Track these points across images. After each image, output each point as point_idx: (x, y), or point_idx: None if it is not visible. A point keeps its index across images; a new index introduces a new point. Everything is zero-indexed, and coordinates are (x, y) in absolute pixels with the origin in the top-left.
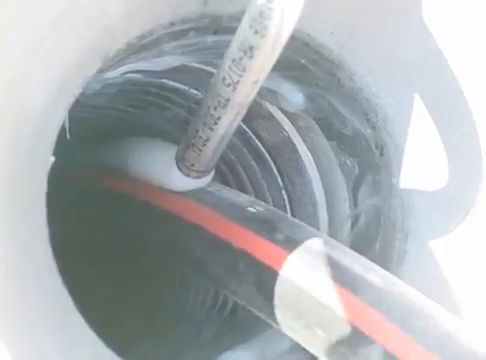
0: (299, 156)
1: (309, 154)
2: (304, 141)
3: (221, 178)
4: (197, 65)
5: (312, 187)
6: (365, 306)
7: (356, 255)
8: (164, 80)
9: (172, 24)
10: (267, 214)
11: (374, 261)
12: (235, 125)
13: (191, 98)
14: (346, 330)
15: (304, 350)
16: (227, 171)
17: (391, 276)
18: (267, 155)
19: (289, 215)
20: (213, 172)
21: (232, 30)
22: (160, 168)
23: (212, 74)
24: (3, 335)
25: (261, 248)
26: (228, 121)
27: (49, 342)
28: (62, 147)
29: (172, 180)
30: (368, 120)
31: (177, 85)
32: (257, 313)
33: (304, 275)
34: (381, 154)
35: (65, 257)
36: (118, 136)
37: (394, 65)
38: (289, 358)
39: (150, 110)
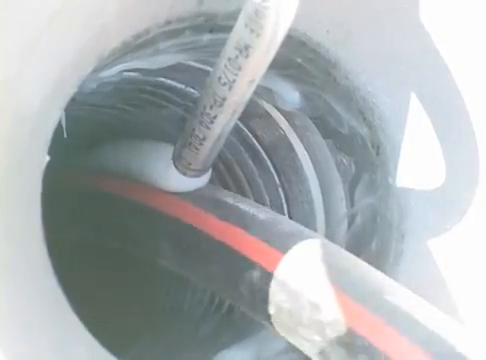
0: (296, 155)
1: (305, 153)
2: (300, 140)
3: (218, 177)
4: (194, 63)
5: (309, 186)
6: (361, 309)
7: (351, 257)
8: (161, 78)
9: (168, 23)
10: (263, 216)
11: (370, 260)
12: (232, 124)
13: (188, 96)
14: (342, 333)
15: (299, 350)
16: (224, 170)
17: (388, 278)
18: (264, 154)
19: (286, 216)
20: (210, 171)
21: (228, 29)
22: (157, 167)
23: (209, 72)
24: None
25: (256, 250)
26: (224, 120)
27: (43, 342)
28: (58, 147)
29: (169, 179)
30: (364, 119)
31: (174, 83)
32: (252, 315)
33: (299, 277)
34: (377, 153)
35: (60, 257)
36: (115, 135)
37: (390, 64)
38: (285, 358)
39: (147, 108)
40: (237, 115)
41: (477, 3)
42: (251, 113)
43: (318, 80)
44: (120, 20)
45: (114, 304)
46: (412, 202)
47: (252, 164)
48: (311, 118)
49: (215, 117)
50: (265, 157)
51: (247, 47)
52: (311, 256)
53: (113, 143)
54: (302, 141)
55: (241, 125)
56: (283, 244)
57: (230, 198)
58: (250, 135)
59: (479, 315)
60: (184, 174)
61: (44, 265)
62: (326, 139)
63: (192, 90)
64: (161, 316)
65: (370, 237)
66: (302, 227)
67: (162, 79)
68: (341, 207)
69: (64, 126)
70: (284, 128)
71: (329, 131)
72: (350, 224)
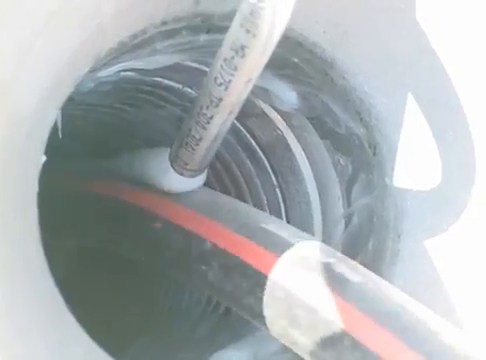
0: (293, 155)
1: (303, 153)
2: (298, 140)
3: (215, 176)
4: (190, 64)
5: (306, 186)
6: (356, 311)
7: (348, 260)
8: (158, 78)
9: (164, 23)
10: (259, 219)
11: (367, 260)
12: (228, 124)
13: (185, 96)
14: (336, 335)
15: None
16: (222, 169)
17: (383, 281)
18: (261, 154)
19: (283, 216)
20: (206, 171)
21: (225, 29)
22: (154, 167)
23: (206, 73)
24: None
25: (252, 253)
26: (221, 120)
27: (41, 343)
28: (55, 147)
29: (166, 179)
30: (361, 119)
31: (171, 83)
32: (248, 318)
33: (295, 280)
34: (374, 153)
35: (57, 258)
36: (113, 135)
37: (387, 64)
38: (281, 358)
39: (144, 108)
40: (234, 115)
41: (473, 4)
42: (248, 113)
43: (315, 80)
44: (116, 20)
45: (112, 305)
46: (409, 202)
47: (250, 164)
48: (308, 118)
49: (211, 117)
50: (262, 157)
51: (243, 47)
52: (306, 259)
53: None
54: (299, 141)
55: (238, 125)
56: (278, 247)
57: (226, 201)
58: (247, 135)
59: (476, 315)
60: (181, 174)
61: (41, 266)
62: (323, 139)
63: (189, 90)
64: (159, 317)
65: (367, 237)
66: (297, 230)
67: (159, 79)
68: (338, 207)
69: (60, 126)
70: (281, 128)
71: (326, 131)
72: (347, 224)
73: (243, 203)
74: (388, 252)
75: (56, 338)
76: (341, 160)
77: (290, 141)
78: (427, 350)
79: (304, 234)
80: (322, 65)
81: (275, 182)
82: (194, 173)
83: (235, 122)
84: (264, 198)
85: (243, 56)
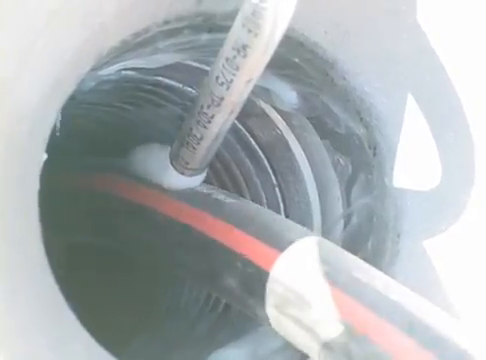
0: (293, 154)
1: (302, 153)
2: (298, 140)
3: (215, 176)
4: (192, 63)
5: (305, 185)
6: (358, 306)
7: (349, 255)
8: (159, 78)
9: (166, 22)
10: (258, 215)
11: (366, 260)
12: (229, 123)
13: (186, 96)
14: (339, 330)
15: (296, 348)
16: (221, 169)
17: (384, 276)
18: (261, 153)
19: (283, 215)
20: (206, 170)
21: (226, 28)
22: (155, 166)
23: (207, 72)
24: None
25: (252, 249)
26: (222, 120)
27: (41, 339)
28: (55, 146)
29: (166, 178)
30: (361, 119)
31: (172, 83)
32: (249, 314)
33: (296, 276)
34: (374, 154)
35: (57, 255)
36: (114, 133)
37: (387, 64)
38: (281, 356)
39: (145, 107)
40: (234, 115)
41: (474, 5)
42: (248, 113)
43: (315, 80)
44: (119, 19)
45: (110, 303)
46: (408, 202)
47: (249, 164)
48: (308, 118)
49: (212, 117)
50: (262, 157)
51: (245, 47)
52: (308, 254)
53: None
54: (299, 141)
55: (238, 125)
56: (279, 242)
57: (226, 197)
58: (247, 135)
59: (475, 314)
60: (182, 173)
61: (41, 264)
62: (323, 139)
63: (190, 89)
64: (157, 315)
65: (366, 237)
66: (298, 225)
67: (160, 78)
68: (337, 207)
69: (58, 125)
70: (281, 128)
71: (326, 131)
72: (346, 224)
73: (244, 199)
74: (388, 252)
75: (56, 335)
76: (341, 160)
77: (290, 141)
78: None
79: (306, 230)
80: (323, 65)
81: (275, 182)
82: (195, 172)
83: (235, 122)
84: (263, 197)
85: (245, 56)
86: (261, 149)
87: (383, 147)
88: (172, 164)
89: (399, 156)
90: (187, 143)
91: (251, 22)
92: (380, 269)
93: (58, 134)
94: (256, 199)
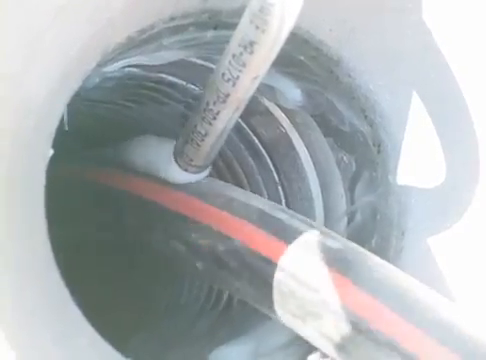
0: (296, 152)
1: (306, 150)
2: (301, 137)
3: (217, 173)
4: (196, 60)
5: (308, 183)
6: (365, 295)
7: (355, 246)
8: (163, 75)
9: (172, 19)
10: (264, 206)
11: None
12: (234, 120)
13: (189, 93)
14: (346, 319)
15: (298, 345)
16: (223, 167)
17: (391, 266)
18: (264, 151)
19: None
20: (209, 168)
21: (232, 25)
22: (159, 163)
23: (211, 69)
24: (1, 326)
25: (259, 240)
26: (227, 116)
27: (46, 334)
28: (60, 142)
29: (170, 175)
30: (366, 117)
31: (175, 80)
32: (256, 306)
33: (303, 266)
34: (378, 151)
35: (63, 250)
36: (116, 131)
37: (392, 62)
38: (283, 353)
39: (148, 104)
40: (240, 111)
41: (479, 3)
42: (252, 110)
43: (320, 78)
44: (125, 15)
45: (112, 299)
46: (412, 200)
47: (252, 161)
48: (312, 116)
49: (218, 113)
50: (265, 154)
51: (252, 44)
52: (315, 245)
53: (117, 143)
54: (303, 139)
55: (241, 122)
56: (287, 234)
57: (228, 189)
58: (250, 132)
59: (479, 312)
60: (185, 170)
61: (47, 258)
62: (327, 137)
63: (193, 87)
64: (157, 312)
65: (370, 234)
66: (303, 217)
67: (164, 75)
68: (341, 205)
69: (65, 120)
70: (285, 126)
71: (330, 129)
72: (350, 221)
73: (249, 192)
74: (392, 249)
75: (61, 330)
76: (345, 158)
77: (293, 139)
78: (440, 333)
79: (311, 221)
80: (328, 63)
81: (277, 179)
82: (198, 169)
83: (238, 119)
84: (266, 195)
85: (252, 52)
86: (264, 147)
87: (387, 145)
88: (176, 161)
89: (403, 154)
90: (191, 140)
91: (259, 19)
92: None
93: (66, 129)
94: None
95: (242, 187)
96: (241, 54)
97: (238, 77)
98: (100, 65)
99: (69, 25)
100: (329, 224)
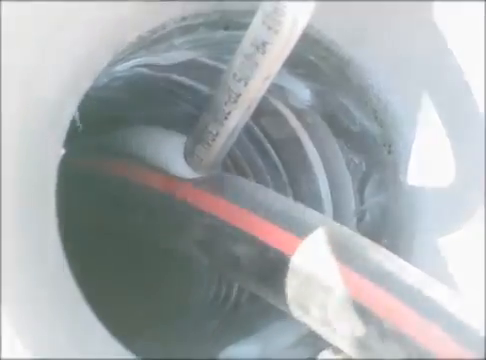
0: (305, 153)
1: (315, 151)
2: (311, 138)
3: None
4: (206, 60)
5: (318, 184)
6: (380, 291)
7: (370, 242)
8: (172, 75)
9: (184, 18)
10: (277, 201)
11: None
12: (245, 120)
13: (198, 93)
14: (359, 315)
15: (307, 345)
16: (232, 167)
17: (403, 261)
18: (273, 151)
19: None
20: (219, 168)
21: (243, 26)
22: (169, 163)
23: (221, 70)
24: (15, 323)
25: (273, 235)
26: (238, 116)
27: (59, 332)
28: (71, 138)
29: (180, 170)
30: (376, 117)
31: (185, 80)
32: (269, 301)
33: (316, 261)
34: (389, 152)
35: (73, 248)
36: (125, 128)
37: (404, 62)
38: (292, 352)
39: (157, 104)
40: (251, 111)
41: None
42: (262, 110)
43: (331, 78)
44: (136, 15)
45: (121, 299)
46: (423, 201)
47: (261, 161)
48: (322, 116)
49: (229, 113)
50: (274, 155)
51: (264, 44)
52: (328, 240)
53: (126, 130)
54: (312, 139)
55: (251, 122)
56: (299, 228)
57: (241, 182)
58: (260, 132)
59: None
60: (196, 171)
61: (58, 256)
62: (337, 137)
63: (202, 87)
64: (167, 312)
65: (380, 235)
66: (316, 212)
67: (173, 75)
68: (350, 205)
69: (78, 119)
70: (294, 126)
71: (340, 129)
72: (359, 222)
73: (263, 186)
74: (402, 250)
75: (74, 327)
76: (355, 158)
77: (303, 139)
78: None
79: (324, 217)
80: (338, 63)
81: (286, 180)
82: (209, 169)
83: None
84: None
85: (264, 53)
86: (273, 147)
87: (398, 145)
88: (186, 161)
89: (414, 154)
90: (202, 140)
91: (271, 19)
92: None
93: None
94: None
95: None
96: (253, 54)
97: (250, 77)
98: (110, 65)
99: (80, 24)
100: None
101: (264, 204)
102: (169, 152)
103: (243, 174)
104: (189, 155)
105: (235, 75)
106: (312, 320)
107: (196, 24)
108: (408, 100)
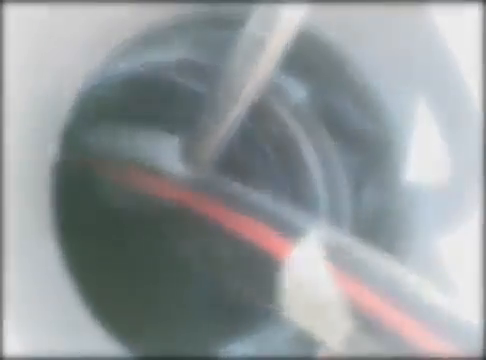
0: (302, 152)
1: (312, 150)
2: (307, 137)
3: (220, 173)
4: (202, 59)
5: (315, 184)
6: (373, 292)
7: (363, 245)
8: (169, 74)
9: (181, 16)
10: (268, 203)
11: None
12: (240, 118)
13: (195, 93)
14: (354, 317)
15: (303, 346)
16: (228, 167)
17: (396, 263)
18: (268, 151)
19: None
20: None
21: (240, 24)
22: (165, 162)
23: (218, 68)
24: (15, 323)
25: (267, 238)
26: (235, 114)
27: (55, 332)
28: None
29: (175, 171)
30: (375, 117)
31: (182, 80)
32: (265, 304)
33: (308, 263)
34: (387, 152)
35: (72, 248)
36: (123, 127)
37: (402, 62)
38: (286, 352)
39: (155, 103)
40: (246, 110)
41: None
42: (258, 110)
43: (328, 77)
44: (134, 12)
45: (118, 298)
46: (421, 201)
47: (257, 162)
48: (320, 116)
49: (226, 111)
50: (270, 155)
51: (261, 42)
52: (320, 243)
53: (122, 134)
54: (309, 139)
55: (247, 122)
56: (294, 232)
57: (236, 186)
58: (255, 132)
59: None
60: (192, 170)
61: (57, 255)
62: (335, 137)
63: (199, 86)
64: (163, 311)
65: (377, 235)
66: (308, 215)
67: (170, 75)
68: (348, 206)
69: (71, 117)
70: (290, 125)
71: (338, 129)
72: (357, 222)
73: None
74: (399, 251)
75: (69, 328)
76: (352, 158)
77: (299, 138)
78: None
79: (316, 219)
80: (336, 62)
81: (283, 180)
82: (204, 167)
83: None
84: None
85: (260, 51)
86: (269, 147)
87: (396, 145)
88: (183, 160)
89: (412, 155)
90: (198, 138)
91: (267, 17)
92: None
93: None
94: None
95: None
96: (250, 53)
97: (247, 75)
98: (105, 63)
99: (77, 20)
100: (335, 226)
101: (256, 205)
102: (165, 151)
103: (239, 175)
104: (185, 154)
105: (232, 74)
106: (304, 321)
107: (194, 22)
108: (407, 100)
